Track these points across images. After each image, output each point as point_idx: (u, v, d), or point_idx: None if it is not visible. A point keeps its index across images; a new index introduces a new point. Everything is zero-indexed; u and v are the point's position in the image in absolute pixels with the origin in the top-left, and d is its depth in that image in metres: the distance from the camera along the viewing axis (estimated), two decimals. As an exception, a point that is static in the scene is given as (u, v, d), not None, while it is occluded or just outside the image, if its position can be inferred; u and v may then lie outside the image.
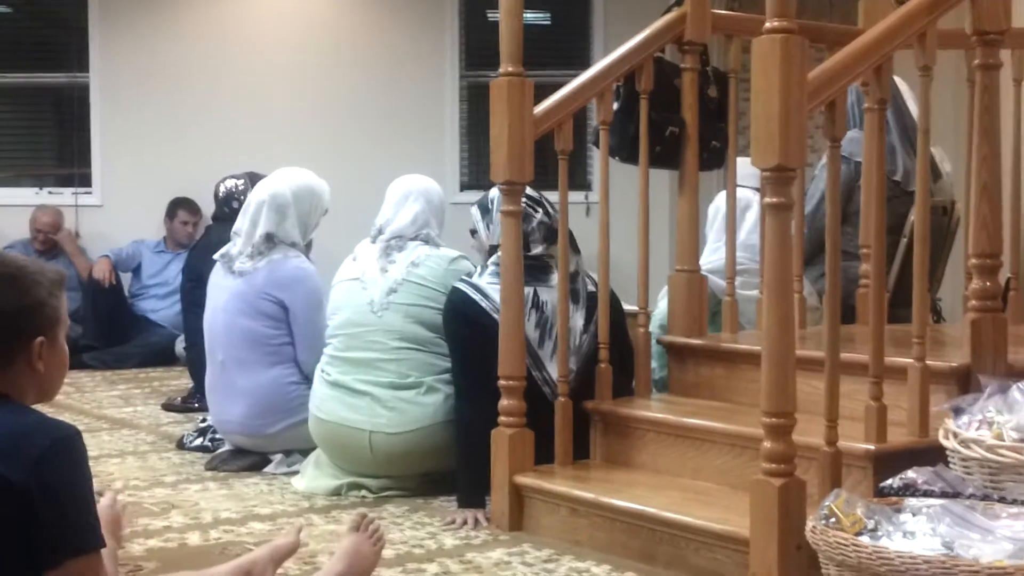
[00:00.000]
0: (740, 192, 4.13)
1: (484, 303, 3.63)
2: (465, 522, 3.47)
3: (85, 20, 8.02)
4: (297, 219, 4.38)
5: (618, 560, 3.11)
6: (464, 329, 3.68)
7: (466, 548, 3.27)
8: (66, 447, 1.90)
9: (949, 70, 4.83)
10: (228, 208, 5.43)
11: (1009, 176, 3.68)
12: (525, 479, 3.44)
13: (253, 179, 5.38)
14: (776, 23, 2.60)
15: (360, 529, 2.73)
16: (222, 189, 5.64)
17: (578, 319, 3.67)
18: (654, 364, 3.86)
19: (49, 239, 7.54)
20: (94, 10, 8.00)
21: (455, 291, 3.72)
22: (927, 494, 2.50)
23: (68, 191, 8.00)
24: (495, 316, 3.55)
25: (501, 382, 3.48)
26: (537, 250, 3.70)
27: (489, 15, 7.76)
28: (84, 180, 8.06)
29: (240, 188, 5.46)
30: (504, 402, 3.48)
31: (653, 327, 3.91)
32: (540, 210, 3.74)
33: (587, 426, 3.63)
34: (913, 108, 4.37)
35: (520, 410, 3.47)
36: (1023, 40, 3.81)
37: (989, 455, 2.50)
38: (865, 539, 2.27)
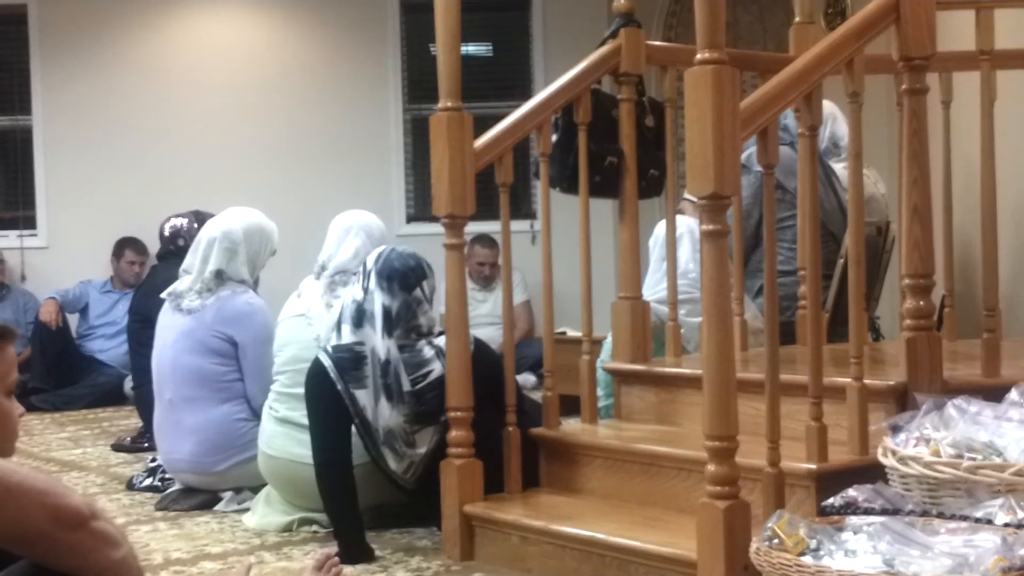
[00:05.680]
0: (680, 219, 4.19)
1: (339, 385, 3.57)
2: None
3: (27, 62, 8.01)
4: (247, 257, 4.40)
5: (569, 587, 3.13)
6: (321, 400, 3.62)
7: (418, 580, 3.29)
8: None
9: (882, 92, 4.93)
10: (174, 246, 5.44)
11: (940, 196, 3.74)
12: (475, 509, 3.46)
13: (198, 217, 5.41)
14: (707, 54, 2.63)
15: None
16: (168, 228, 5.64)
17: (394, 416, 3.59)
18: (600, 392, 3.90)
19: None
20: (35, 52, 7.99)
21: (317, 362, 3.62)
22: (868, 512, 2.54)
23: (13, 234, 7.97)
24: (341, 395, 3.56)
25: (450, 413, 3.51)
26: (346, 338, 3.62)
27: (431, 48, 7.80)
28: (29, 222, 8.03)
29: (186, 226, 5.48)
30: (453, 433, 3.50)
31: (604, 357, 3.93)
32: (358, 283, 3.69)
33: (536, 455, 3.66)
34: (846, 131, 4.44)
35: (468, 441, 3.49)
36: (950, 64, 3.89)
37: (927, 471, 2.54)
38: (808, 559, 2.30)
